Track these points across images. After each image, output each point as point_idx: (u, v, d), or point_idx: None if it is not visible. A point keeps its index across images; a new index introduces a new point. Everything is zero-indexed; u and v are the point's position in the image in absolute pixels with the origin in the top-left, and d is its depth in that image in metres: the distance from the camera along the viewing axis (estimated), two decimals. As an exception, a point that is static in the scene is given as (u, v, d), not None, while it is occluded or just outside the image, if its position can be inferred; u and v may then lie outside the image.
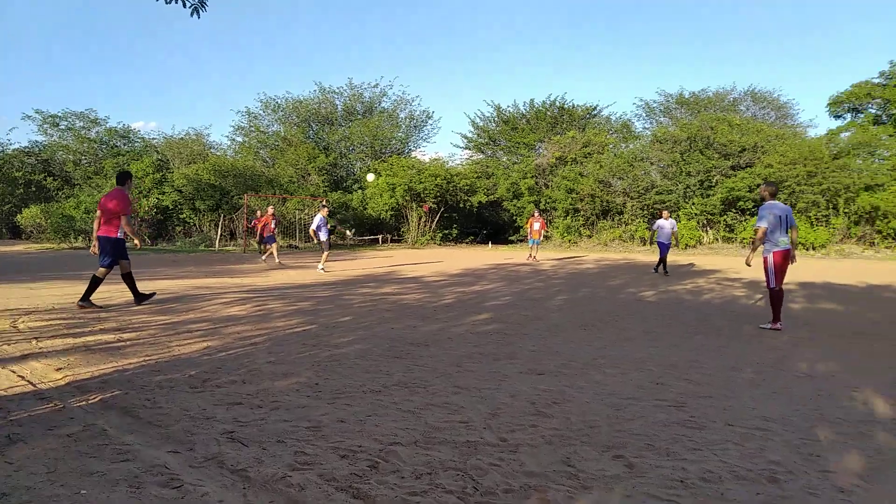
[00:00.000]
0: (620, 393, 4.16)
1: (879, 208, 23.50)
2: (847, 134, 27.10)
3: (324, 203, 16.30)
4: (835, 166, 24.47)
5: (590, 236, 29.81)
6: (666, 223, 14.17)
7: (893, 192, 23.51)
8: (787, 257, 6.85)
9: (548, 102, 36.87)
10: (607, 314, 8.04)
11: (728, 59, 72.19)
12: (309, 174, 35.65)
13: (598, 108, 37.72)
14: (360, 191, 35.65)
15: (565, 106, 36.92)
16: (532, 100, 37.53)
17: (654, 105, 35.92)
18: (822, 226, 24.78)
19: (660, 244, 14.21)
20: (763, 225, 6.86)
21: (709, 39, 78.07)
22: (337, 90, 40.70)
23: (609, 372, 4.77)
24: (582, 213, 29.95)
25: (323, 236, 14.43)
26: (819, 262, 20.46)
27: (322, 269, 14.30)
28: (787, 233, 6.83)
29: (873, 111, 29.52)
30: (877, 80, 29.22)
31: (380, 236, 33.43)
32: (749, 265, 7.30)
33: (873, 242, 24.12)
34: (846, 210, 24.47)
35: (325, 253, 14.63)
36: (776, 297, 6.87)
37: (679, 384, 4.42)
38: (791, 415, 3.71)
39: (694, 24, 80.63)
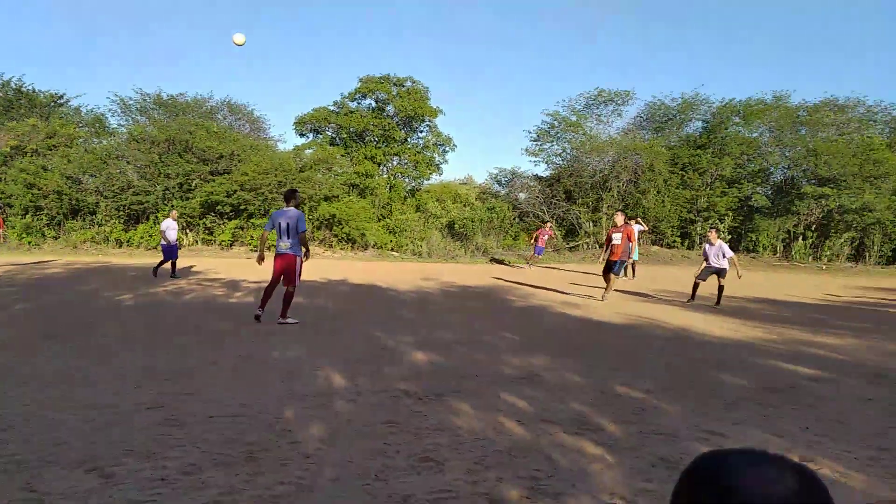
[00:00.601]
0: (96, 404, 3.88)
1: (336, 216, 28.21)
2: (310, 151, 31.45)
3: None
4: (301, 178, 28.21)
5: (56, 238, 26.09)
6: (172, 224, 13.80)
7: (346, 203, 28.60)
8: (279, 259, 7.52)
9: (-1, 82, 30.60)
10: (79, 322, 7.23)
11: (211, 68, 74.13)
12: None
13: (65, 97, 33.42)
14: None
15: (24, 89, 31.33)
16: (-28, 78, 30.38)
17: (131, 102, 34.01)
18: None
19: (164, 247, 13.61)
20: (265, 229, 7.74)
21: (187, 48, 78.51)
22: None
23: (83, 383, 4.36)
24: (46, 211, 25.97)
25: None
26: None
27: None
28: (289, 238, 7.45)
29: (330, 133, 34.97)
30: (332, 108, 34.77)
31: None
32: (259, 264, 7.80)
33: (331, 245, 28.65)
34: (310, 217, 28.39)
35: None
36: (266, 291, 7.68)
37: (160, 385, 4.39)
38: (266, 398, 4.13)
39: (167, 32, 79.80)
